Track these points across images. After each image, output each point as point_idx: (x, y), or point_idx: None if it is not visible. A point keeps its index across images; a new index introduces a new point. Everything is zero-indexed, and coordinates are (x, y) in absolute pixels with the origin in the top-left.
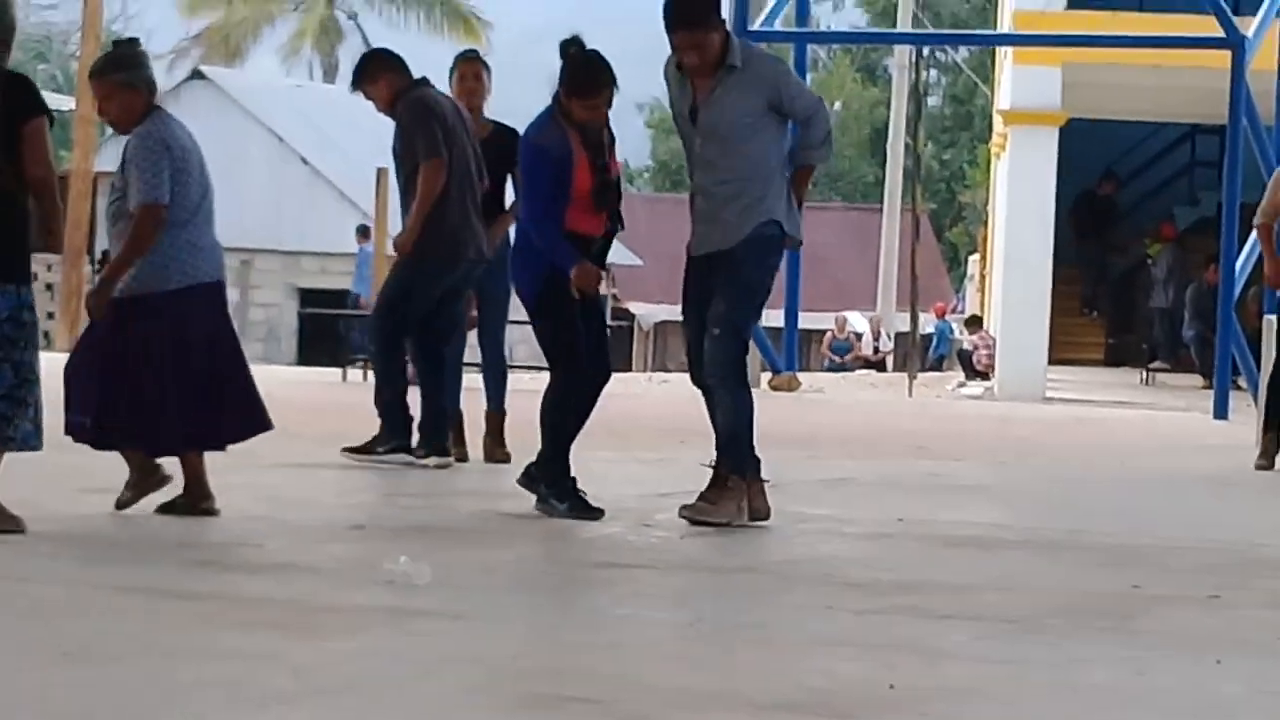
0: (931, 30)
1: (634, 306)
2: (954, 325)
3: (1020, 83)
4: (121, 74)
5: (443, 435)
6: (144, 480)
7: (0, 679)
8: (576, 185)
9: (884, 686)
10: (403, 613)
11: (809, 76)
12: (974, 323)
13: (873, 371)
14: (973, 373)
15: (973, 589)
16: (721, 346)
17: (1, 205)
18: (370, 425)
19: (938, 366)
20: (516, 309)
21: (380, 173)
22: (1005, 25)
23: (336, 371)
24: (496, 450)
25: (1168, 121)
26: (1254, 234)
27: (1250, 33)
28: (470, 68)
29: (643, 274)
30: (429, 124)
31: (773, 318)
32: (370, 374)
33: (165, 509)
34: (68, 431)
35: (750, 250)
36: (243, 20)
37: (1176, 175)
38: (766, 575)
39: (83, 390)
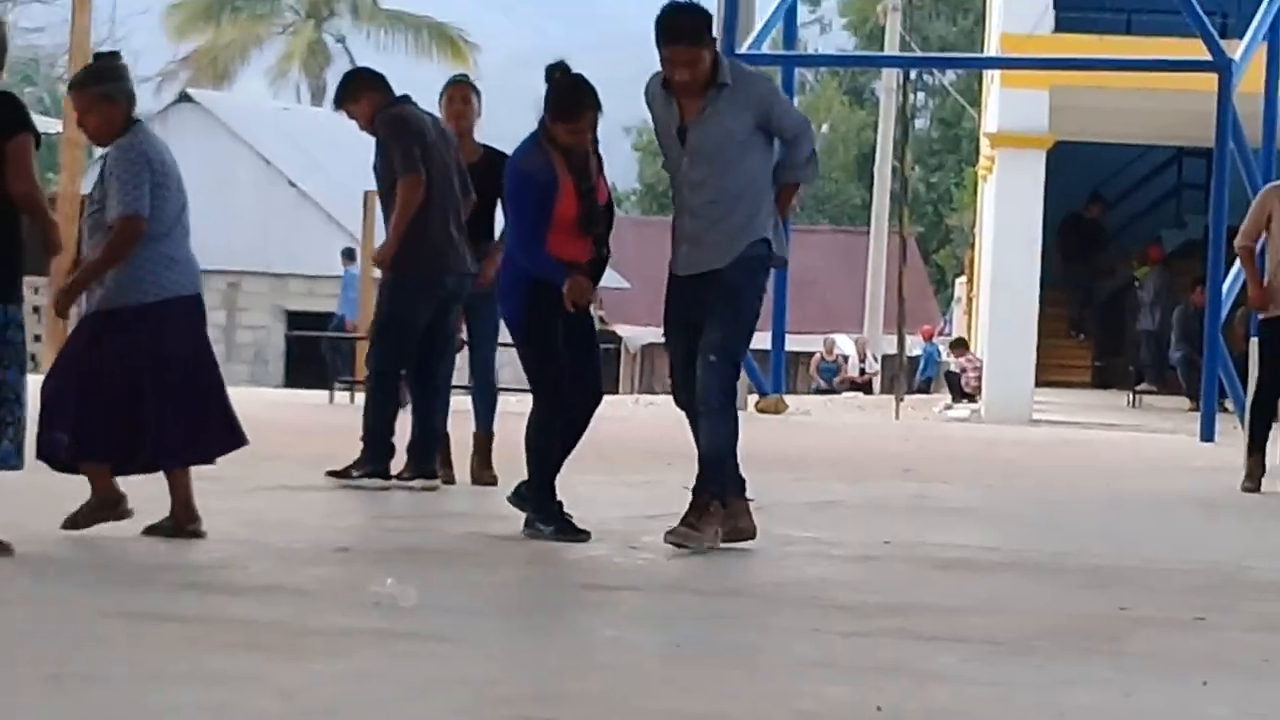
0: (919, 53)
1: (621, 329)
2: (941, 348)
3: (1008, 106)
4: (101, 87)
5: (431, 458)
6: (102, 506)
7: None
8: (561, 211)
9: (871, 709)
10: (389, 635)
11: (796, 99)
12: (959, 345)
13: (859, 394)
14: (961, 394)
15: (960, 611)
16: (717, 374)
17: None
18: (357, 448)
19: (925, 389)
20: (505, 332)
21: (367, 195)
22: (993, 48)
23: (323, 394)
24: (483, 473)
25: (1155, 144)
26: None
27: (1237, 56)
28: (459, 91)
29: (630, 297)
30: (405, 140)
31: (759, 340)
32: (357, 396)
33: (151, 530)
34: (41, 454)
35: (741, 273)
36: (230, 43)
37: (1164, 198)
38: (753, 598)
39: (60, 408)
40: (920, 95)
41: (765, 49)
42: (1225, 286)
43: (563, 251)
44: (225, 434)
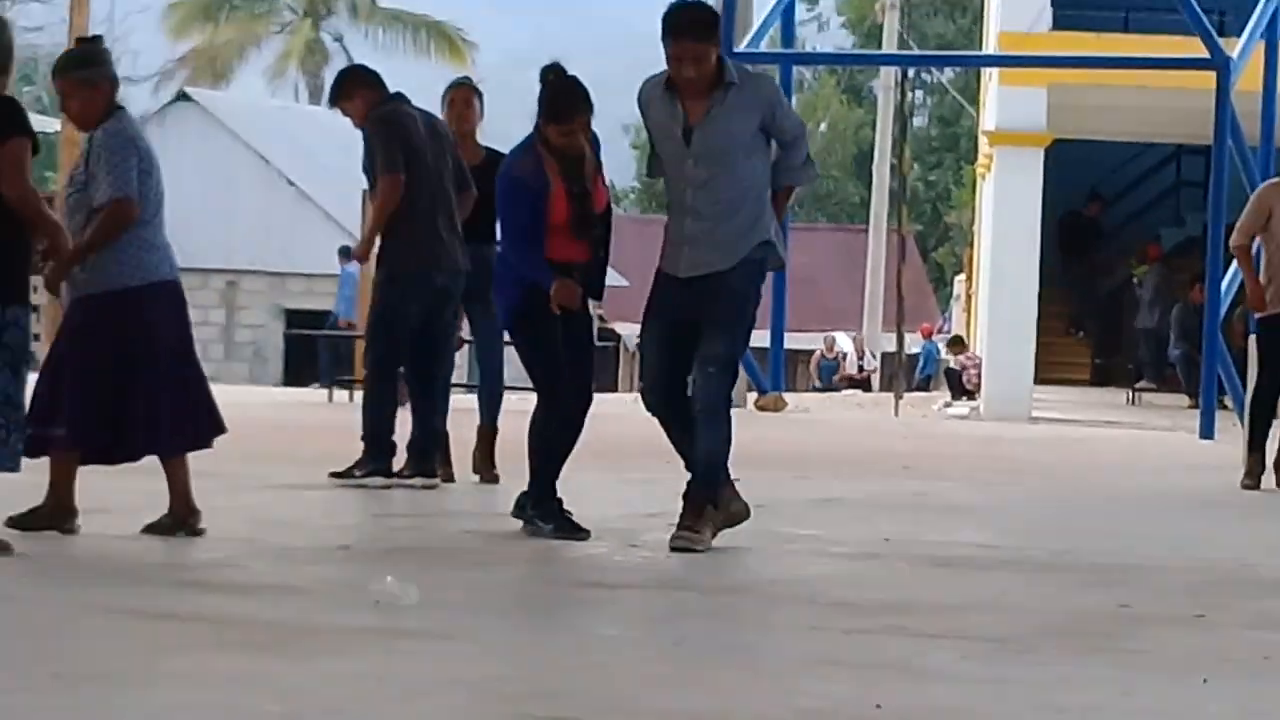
0: (917, 51)
1: (620, 327)
2: (940, 345)
3: (1006, 104)
4: (84, 71)
5: (431, 456)
6: (55, 515)
7: None
8: (553, 214)
9: (871, 706)
10: (390, 634)
11: (794, 98)
12: (957, 343)
13: (859, 391)
14: (961, 392)
15: (960, 609)
16: (719, 382)
17: None
18: (356, 447)
19: (924, 387)
20: None
21: (365, 194)
22: (991, 46)
23: (323, 392)
24: (486, 471)
25: (1153, 142)
26: None
27: (1235, 54)
28: (461, 94)
29: (629, 294)
30: (389, 140)
31: (758, 338)
32: (356, 394)
33: (151, 529)
34: (35, 448)
35: (744, 277)
36: (228, 42)
37: (1162, 196)
38: (753, 595)
39: (55, 403)
40: (918, 93)
41: (763, 47)
42: (1224, 284)
43: (559, 254)
44: (214, 420)
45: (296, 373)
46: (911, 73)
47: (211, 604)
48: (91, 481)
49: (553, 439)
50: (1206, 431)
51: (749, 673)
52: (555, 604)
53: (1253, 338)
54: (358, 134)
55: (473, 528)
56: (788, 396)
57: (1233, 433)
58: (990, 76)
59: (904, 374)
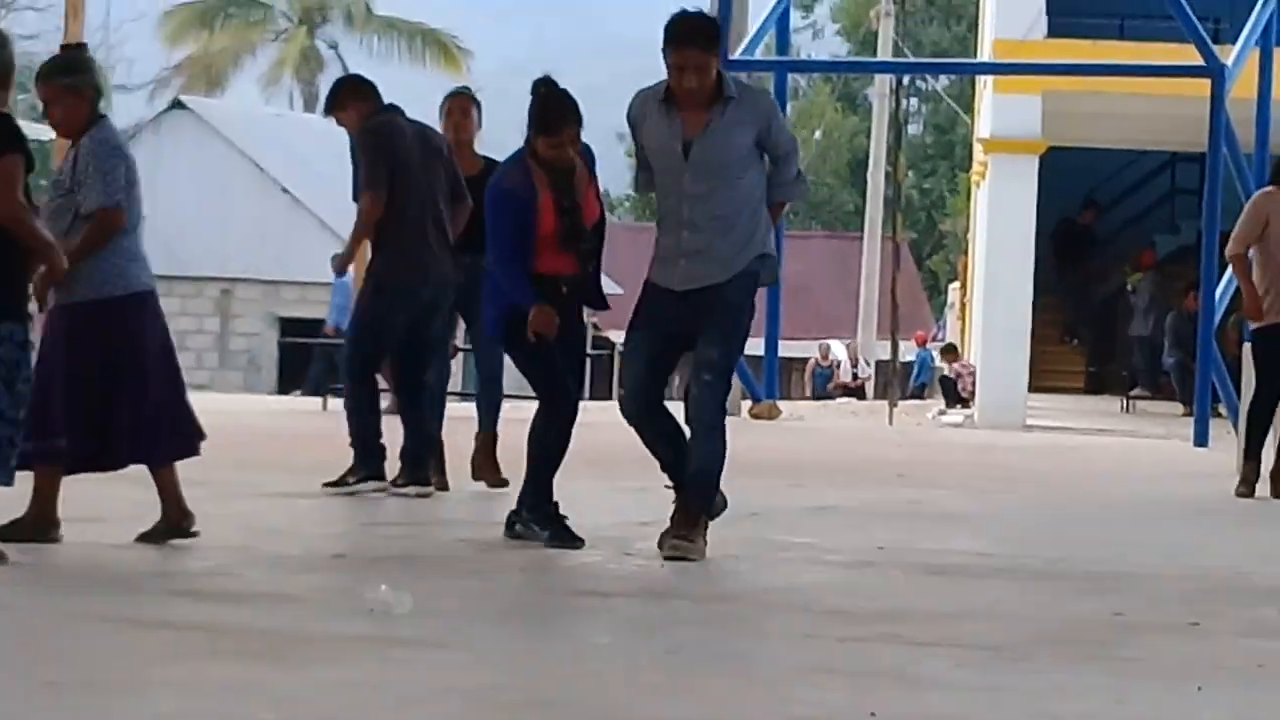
0: (912, 59)
1: (614, 335)
2: (935, 353)
3: (1000, 111)
4: (68, 78)
5: (424, 465)
6: (38, 526)
7: None
8: (541, 226)
9: (866, 714)
10: (384, 642)
11: (789, 105)
12: (950, 351)
13: (853, 399)
14: (957, 400)
15: (954, 617)
16: (715, 393)
17: None
18: (350, 455)
19: (919, 395)
20: None
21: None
22: (986, 54)
23: (317, 401)
24: (490, 474)
25: (1148, 149)
26: None
27: (1230, 61)
28: (458, 103)
29: (623, 302)
30: (374, 154)
31: (753, 346)
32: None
33: (145, 537)
34: (33, 459)
35: (741, 290)
36: (223, 49)
37: (1157, 203)
38: (748, 604)
39: (48, 415)
40: (913, 101)
41: (758, 54)
42: (1219, 291)
43: (546, 266)
44: (197, 427)
45: (291, 381)
46: (906, 80)
47: (205, 612)
48: (83, 490)
49: (551, 445)
50: (1201, 439)
51: (743, 681)
52: (549, 612)
53: (1247, 346)
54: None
55: (467, 536)
56: (782, 404)
57: (1227, 440)
58: (985, 84)
59: (898, 382)
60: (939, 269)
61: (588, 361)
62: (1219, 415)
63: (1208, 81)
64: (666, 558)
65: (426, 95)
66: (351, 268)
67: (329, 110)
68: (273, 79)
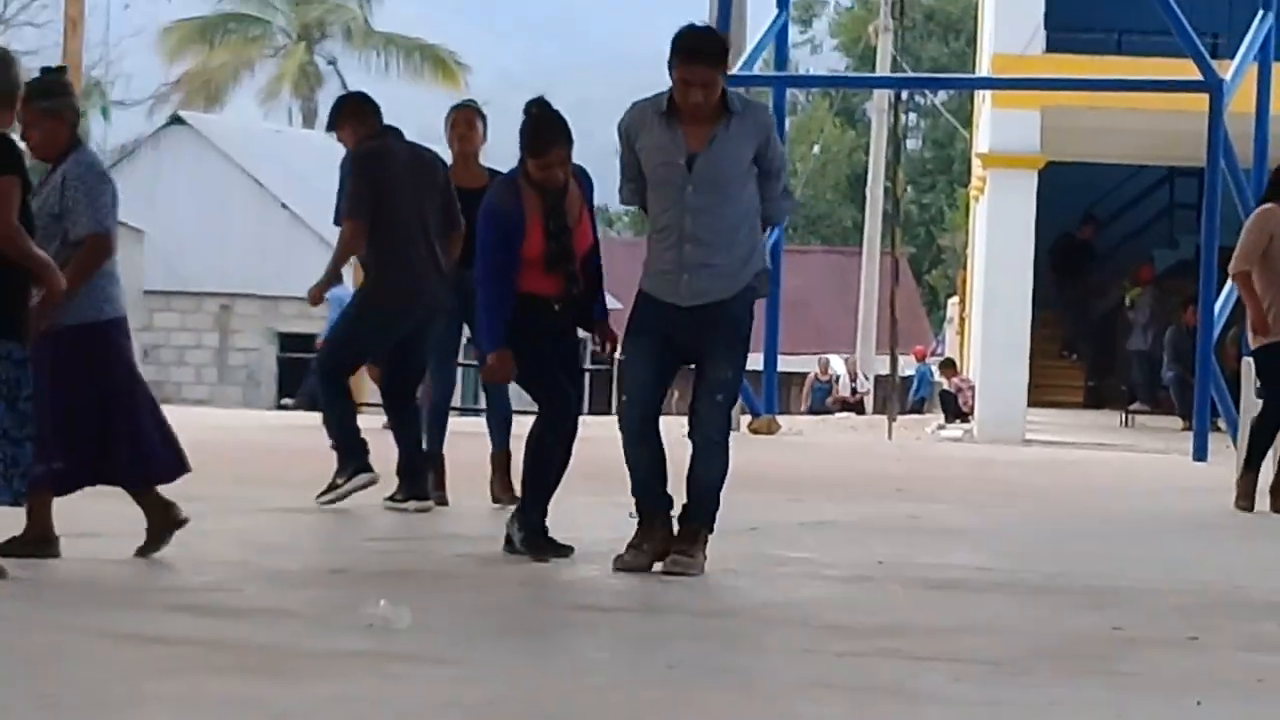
0: (910, 74)
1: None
2: (934, 368)
3: (999, 126)
4: (47, 102)
5: (422, 479)
6: (38, 542)
7: None
8: (528, 249)
9: None
10: (383, 657)
11: (788, 120)
12: (948, 366)
13: (852, 414)
14: (956, 414)
15: (953, 631)
16: (722, 410)
17: None
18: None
19: (918, 409)
20: None
21: None
22: (984, 69)
23: (314, 415)
24: (507, 495)
25: (1147, 164)
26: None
27: (1228, 76)
28: (463, 116)
29: (622, 317)
30: (359, 181)
31: (752, 361)
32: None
33: (145, 550)
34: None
35: (744, 305)
36: (222, 65)
37: (1156, 218)
38: (746, 619)
39: (42, 436)
40: (912, 116)
41: (757, 69)
42: (1217, 306)
43: (531, 286)
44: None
45: (290, 395)
46: (905, 95)
47: (204, 627)
48: (81, 506)
49: (550, 457)
50: (1200, 454)
51: (742, 696)
52: (548, 627)
53: (1246, 360)
54: None
55: (466, 551)
56: (781, 419)
57: (1226, 455)
58: (984, 99)
59: (897, 396)
60: (938, 284)
61: (587, 376)
62: (1218, 430)
63: (1206, 96)
64: (666, 573)
65: (425, 110)
66: (350, 281)
67: (329, 127)
68: (271, 94)
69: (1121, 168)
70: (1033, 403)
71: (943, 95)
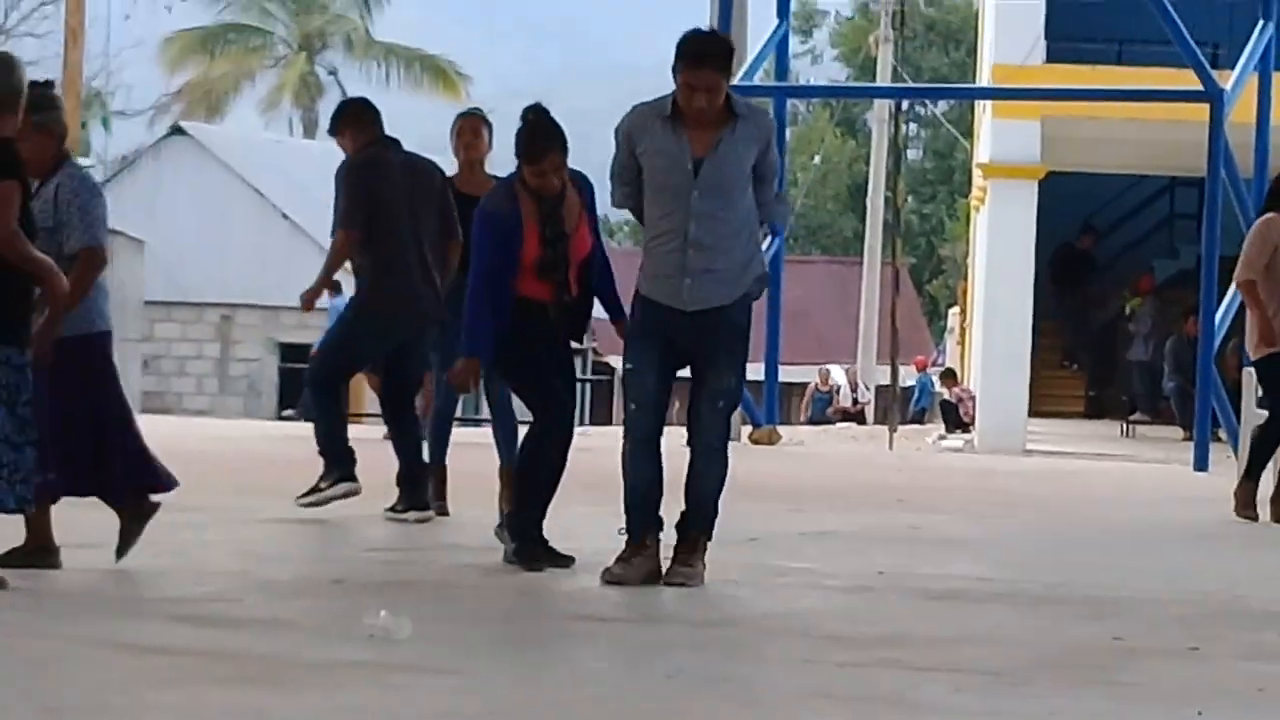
0: (911, 84)
1: (614, 360)
2: (934, 378)
3: (999, 136)
4: (35, 116)
5: (422, 489)
6: (39, 553)
7: None
8: (525, 254)
9: None
10: (383, 667)
11: (789, 131)
12: (949, 376)
13: (853, 424)
14: (956, 424)
15: (954, 642)
16: (723, 417)
17: None
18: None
19: (919, 419)
20: None
21: None
22: (984, 79)
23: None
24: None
25: (1147, 174)
26: (1232, 288)
27: (1228, 86)
28: (469, 123)
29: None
30: (353, 192)
31: (752, 371)
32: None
33: (122, 550)
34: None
35: (744, 311)
36: (223, 75)
37: (1156, 228)
38: (746, 629)
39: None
40: (912, 126)
41: (757, 80)
42: (1218, 316)
43: (529, 290)
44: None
45: (291, 406)
46: (905, 105)
47: (203, 637)
48: (81, 516)
49: (545, 463)
50: (1200, 464)
51: (742, 706)
52: (547, 637)
53: (1248, 371)
54: None
55: (466, 562)
56: (782, 429)
57: (1226, 465)
58: (984, 109)
59: (898, 407)
60: (939, 294)
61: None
62: (1219, 440)
63: (1206, 106)
64: (667, 583)
65: (425, 120)
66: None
67: (330, 132)
68: (272, 105)
69: (1122, 178)
70: (1033, 413)
71: (943, 105)
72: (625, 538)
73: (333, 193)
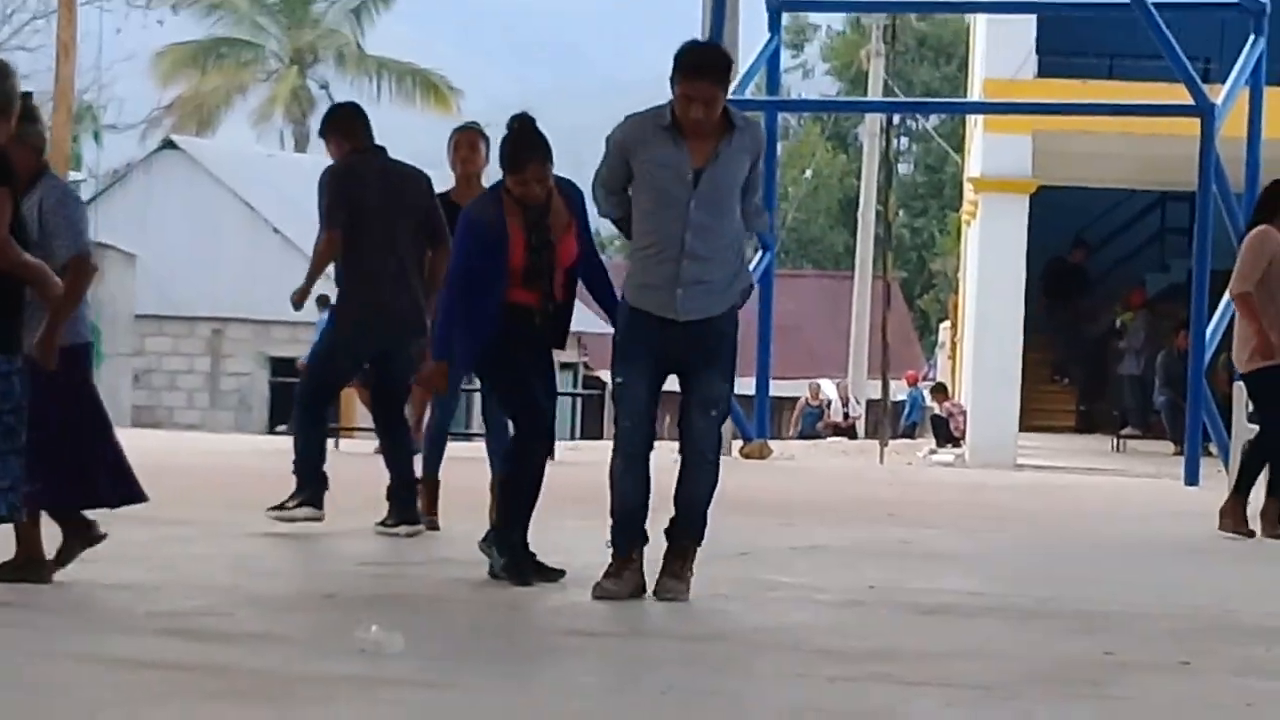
0: (902, 98)
1: (606, 374)
2: (925, 393)
3: (991, 150)
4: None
5: (411, 503)
6: (28, 565)
7: None
8: (511, 260)
9: None
10: (374, 682)
11: (780, 144)
12: (940, 391)
13: (844, 439)
14: (947, 439)
15: (944, 656)
16: (715, 425)
17: None
18: (339, 496)
19: (910, 434)
20: None
21: None
22: (976, 93)
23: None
24: None
25: (1138, 189)
26: (1224, 301)
27: (1220, 100)
28: (466, 138)
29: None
30: (332, 195)
31: (744, 385)
32: (342, 443)
33: (59, 563)
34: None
35: (732, 321)
36: (215, 89)
37: (1147, 242)
38: (737, 643)
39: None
40: (903, 140)
41: (748, 93)
42: (1209, 330)
43: (517, 297)
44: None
45: (282, 421)
46: (897, 119)
47: (195, 652)
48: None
49: (524, 474)
50: (1191, 478)
51: None
52: (538, 652)
53: (1238, 385)
54: None
55: (457, 576)
56: (773, 444)
57: (1217, 479)
58: (975, 123)
59: (889, 421)
60: (930, 308)
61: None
62: (1210, 454)
63: (1197, 120)
64: (657, 597)
65: (417, 134)
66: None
67: (320, 135)
68: (264, 118)
69: (1113, 192)
70: (1024, 427)
71: (934, 119)
72: (611, 551)
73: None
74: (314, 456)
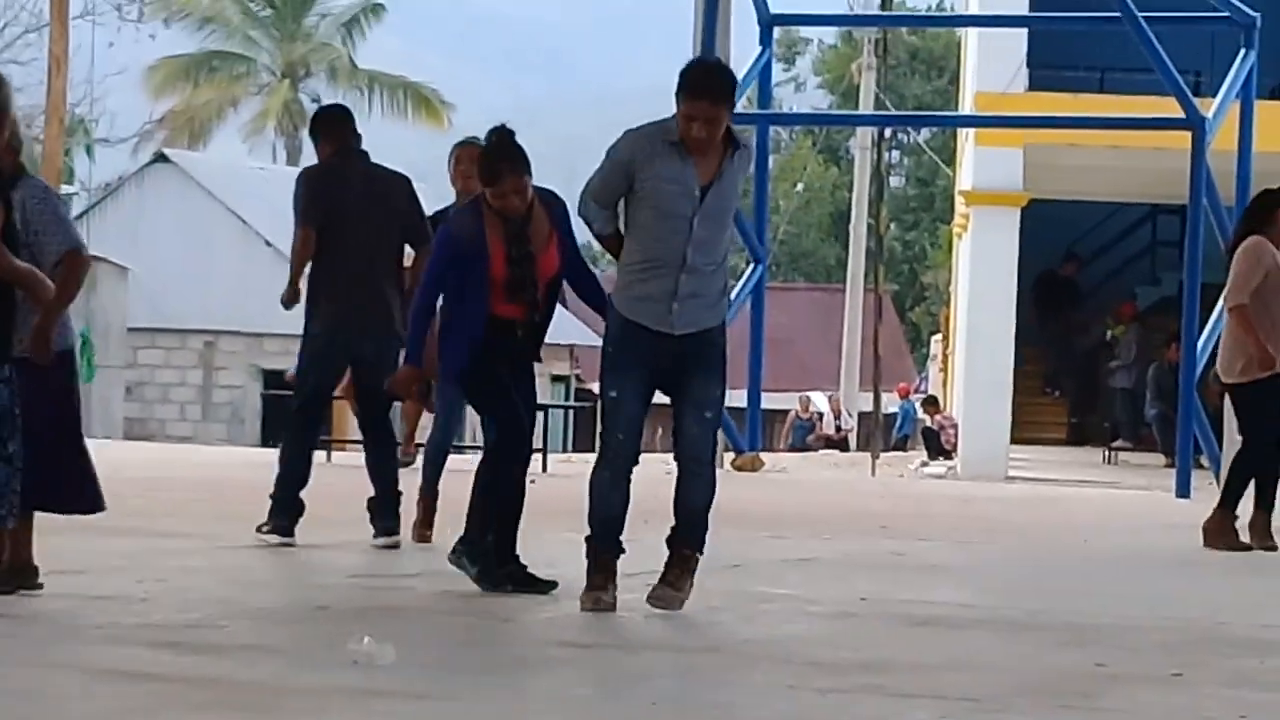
0: (894, 112)
1: (598, 387)
2: (917, 405)
3: (982, 164)
4: None
5: (391, 514)
6: (19, 574)
7: None
8: (491, 273)
9: None
10: (366, 693)
11: (771, 158)
12: (931, 403)
13: (836, 451)
14: (939, 452)
15: (936, 668)
16: (710, 429)
17: None
18: (330, 509)
19: (902, 446)
20: None
21: None
22: (967, 107)
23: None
24: None
25: (1129, 202)
26: (1215, 313)
27: (1210, 113)
28: (466, 153)
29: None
30: (306, 195)
31: (736, 398)
32: (334, 455)
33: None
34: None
35: (723, 333)
36: (207, 103)
37: (1138, 255)
38: (730, 655)
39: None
40: (895, 153)
41: (740, 107)
42: (1200, 343)
43: (501, 310)
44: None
45: (274, 433)
46: (888, 133)
47: (188, 664)
48: (63, 542)
49: (503, 485)
50: (1183, 491)
51: None
52: (531, 663)
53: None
54: None
55: (448, 588)
56: (765, 456)
57: (1208, 491)
58: (967, 137)
59: (881, 434)
60: (921, 321)
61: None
62: (1201, 467)
63: (1188, 134)
64: (649, 603)
65: (408, 147)
66: None
67: (309, 134)
68: (256, 132)
69: (1104, 205)
70: (1016, 440)
71: (926, 133)
72: (591, 563)
73: None
74: (293, 483)
